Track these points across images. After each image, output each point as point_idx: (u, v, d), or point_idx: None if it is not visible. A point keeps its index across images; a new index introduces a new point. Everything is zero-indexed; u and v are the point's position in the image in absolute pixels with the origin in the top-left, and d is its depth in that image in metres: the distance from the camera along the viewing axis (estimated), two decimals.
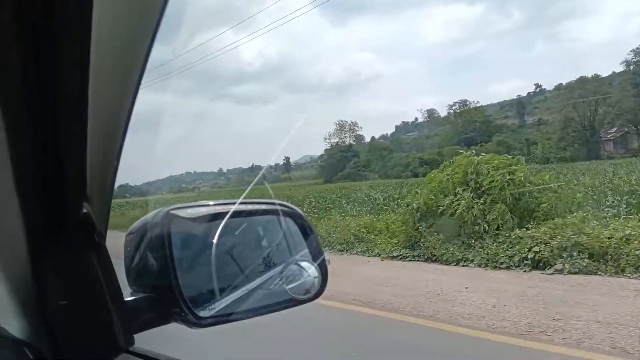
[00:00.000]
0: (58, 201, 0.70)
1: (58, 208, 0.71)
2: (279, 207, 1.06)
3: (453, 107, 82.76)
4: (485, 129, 70.79)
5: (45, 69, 0.52)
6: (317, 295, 1.00)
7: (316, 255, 1.04)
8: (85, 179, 0.69)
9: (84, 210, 0.76)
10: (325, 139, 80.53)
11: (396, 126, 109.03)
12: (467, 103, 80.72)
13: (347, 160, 71.22)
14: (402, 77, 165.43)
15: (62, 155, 0.64)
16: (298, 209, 1.08)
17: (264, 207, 1.10)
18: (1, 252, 0.74)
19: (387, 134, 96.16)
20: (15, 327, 0.85)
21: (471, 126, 72.48)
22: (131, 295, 0.90)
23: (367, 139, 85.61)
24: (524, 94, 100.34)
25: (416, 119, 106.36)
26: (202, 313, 0.90)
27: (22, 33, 0.46)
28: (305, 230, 1.05)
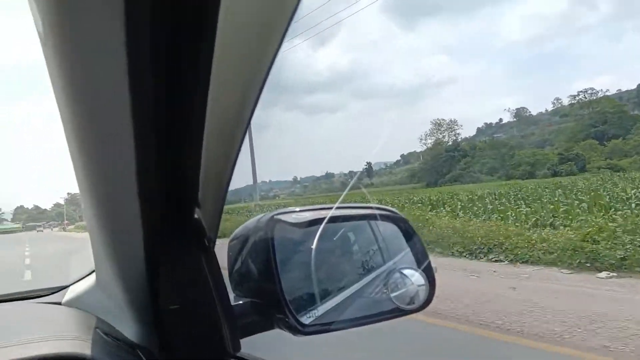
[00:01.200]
0: (172, 207, 0.74)
1: (172, 214, 0.76)
2: (378, 212, 1.05)
3: (577, 98, 75.31)
4: (618, 121, 62.67)
5: (171, 77, 0.54)
6: (424, 305, 0.97)
7: (421, 262, 1.00)
8: (198, 187, 0.73)
9: (195, 217, 0.81)
10: (421, 139, 77.86)
11: (478, 128, 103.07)
12: (594, 92, 72.74)
13: (455, 160, 66.57)
14: (478, 79, 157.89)
15: (179, 163, 0.68)
16: (400, 213, 1.06)
17: (365, 211, 1.10)
18: (121, 258, 0.80)
19: (468, 136, 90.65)
20: (129, 330, 0.93)
21: (602, 118, 64.74)
22: (234, 300, 0.93)
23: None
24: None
25: (500, 119, 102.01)
26: (304, 319, 0.91)
27: (156, 37, 0.48)
28: (409, 235, 1.03)
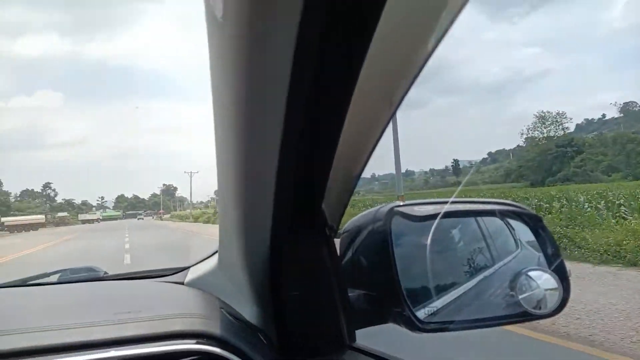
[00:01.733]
0: (300, 197, 0.77)
1: (299, 203, 0.78)
2: (504, 207, 1.00)
3: None
4: None
5: (323, 80, 0.56)
6: (557, 311, 0.91)
7: (552, 262, 0.94)
8: (327, 178, 0.74)
9: (321, 207, 0.83)
10: (522, 134, 72.28)
11: (577, 125, 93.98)
12: None
13: (568, 157, 58.73)
14: (575, 72, 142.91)
15: (313, 158, 0.70)
16: (530, 209, 1.00)
17: (487, 206, 1.06)
18: (247, 244, 0.84)
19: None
20: (249, 312, 0.97)
21: None
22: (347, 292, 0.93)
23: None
24: None
25: (604, 115, 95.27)
26: (421, 315, 0.90)
27: (323, 40, 0.50)
28: (539, 233, 0.97)
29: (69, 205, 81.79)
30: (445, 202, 1.04)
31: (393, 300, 0.90)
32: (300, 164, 0.69)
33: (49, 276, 1.37)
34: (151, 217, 74.47)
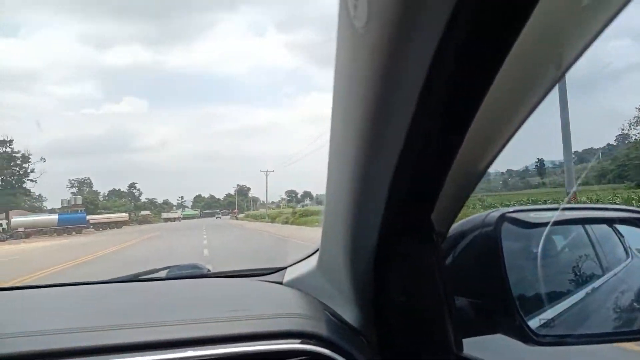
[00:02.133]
0: (411, 202, 0.77)
1: (410, 208, 0.78)
2: (625, 214, 0.94)
3: None
4: None
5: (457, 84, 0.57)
6: None
7: None
8: (443, 183, 0.74)
9: (432, 212, 0.82)
10: (622, 129, 65.88)
11: None
12: None
13: None
14: None
15: (432, 161, 0.70)
16: None
17: (604, 213, 1.00)
18: (353, 247, 0.86)
19: None
20: (349, 315, 0.98)
21: None
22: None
23: None
24: None
25: None
26: (533, 325, 0.87)
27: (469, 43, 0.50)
28: None
29: (151, 204, 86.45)
30: (556, 209, 1.00)
31: (503, 310, 0.87)
32: (418, 168, 0.69)
33: (157, 272, 1.48)
34: (227, 217, 76.27)
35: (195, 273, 1.48)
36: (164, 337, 0.83)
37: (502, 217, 0.89)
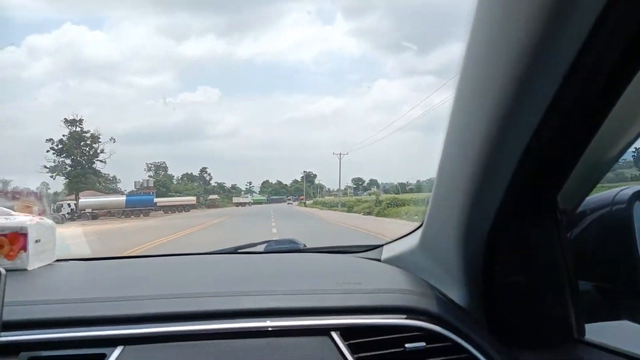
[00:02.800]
0: (539, 179, 0.75)
1: (536, 185, 0.77)
2: None
3: None
4: None
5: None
6: None
7: None
8: (576, 163, 0.73)
9: (558, 191, 0.80)
10: None
11: None
12: None
13: None
14: None
15: (567, 140, 0.69)
16: None
17: None
18: (466, 224, 0.85)
19: None
20: (456, 294, 0.97)
21: None
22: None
23: None
24: None
25: None
26: None
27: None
28: None
29: (220, 188, 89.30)
30: None
31: (634, 295, 0.84)
32: (551, 148, 0.68)
33: (255, 246, 1.57)
34: (294, 203, 76.92)
35: (292, 247, 1.55)
36: (271, 305, 0.87)
37: (636, 195, 0.84)
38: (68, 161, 47.49)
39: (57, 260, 1.28)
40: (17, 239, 1.16)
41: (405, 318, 0.86)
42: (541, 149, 0.67)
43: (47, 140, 46.80)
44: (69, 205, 36.47)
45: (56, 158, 46.82)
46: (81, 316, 0.82)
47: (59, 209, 33.73)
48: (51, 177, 46.19)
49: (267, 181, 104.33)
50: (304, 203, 72.09)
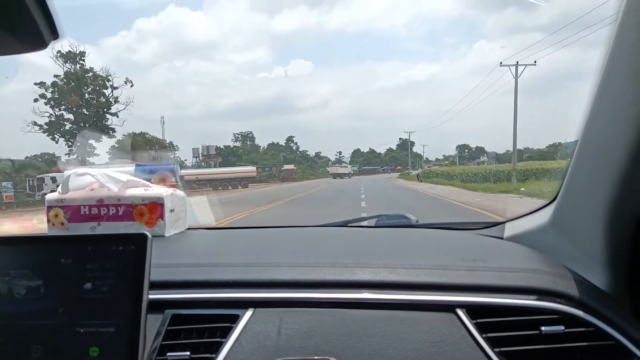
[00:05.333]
0: None
1: None
2: None
3: None
4: None
5: None
6: None
7: None
8: None
9: None
10: None
11: None
12: None
13: None
14: None
15: None
16: None
17: None
18: (613, 201, 0.84)
19: None
20: (597, 277, 0.97)
21: None
22: None
23: None
24: None
25: None
26: None
27: None
28: None
29: (303, 157, 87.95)
30: None
31: None
32: None
33: (366, 220, 1.70)
34: (391, 175, 67.85)
35: (404, 223, 1.64)
36: (390, 278, 0.95)
37: None
38: (70, 115, 35.30)
39: (189, 229, 1.52)
40: (155, 208, 1.40)
41: (539, 299, 0.87)
42: None
43: (35, 83, 34.31)
44: (53, 180, 24.92)
45: (52, 111, 34.73)
46: (217, 279, 0.97)
47: (39, 187, 24.74)
48: (52, 138, 34.14)
49: (358, 150, 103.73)
50: (409, 174, 58.36)
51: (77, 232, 1.39)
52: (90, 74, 35.91)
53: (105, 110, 36.48)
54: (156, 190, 1.44)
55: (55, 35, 0.78)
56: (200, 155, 52.96)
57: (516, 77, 24.44)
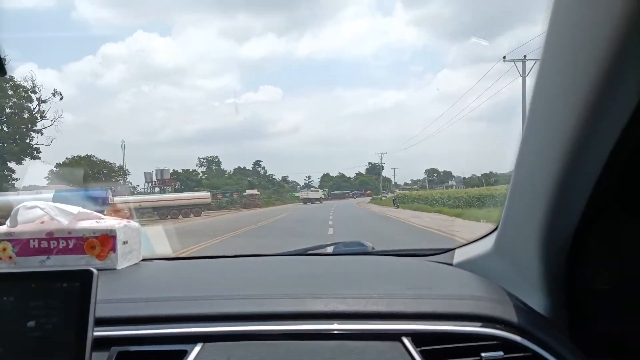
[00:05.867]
0: (631, 173, 0.77)
1: (626, 181, 0.78)
2: None
3: None
4: None
5: None
6: None
7: None
8: None
9: None
10: None
11: None
12: None
13: None
14: None
15: None
16: None
17: None
18: (547, 226, 0.88)
19: None
20: (536, 301, 1.01)
21: None
22: None
23: None
24: None
25: None
26: None
27: None
28: None
29: (269, 182, 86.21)
30: None
31: None
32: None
33: (324, 247, 1.73)
34: (363, 200, 66.67)
35: (361, 250, 1.69)
36: (340, 308, 0.97)
37: None
38: None
39: (143, 260, 1.53)
40: (107, 240, 1.41)
41: (481, 326, 0.91)
42: (636, 139, 0.69)
43: None
44: None
45: None
46: (165, 314, 0.97)
47: None
48: None
49: (327, 174, 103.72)
50: (382, 199, 56.38)
51: (26, 266, 1.38)
52: (10, 83, 29.73)
53: (29, 127, 31.72)
54: (108, 222, 1.45)
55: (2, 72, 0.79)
56: (154, 180, 50.61)
57: (523, 75, 24.85)
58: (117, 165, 46.46)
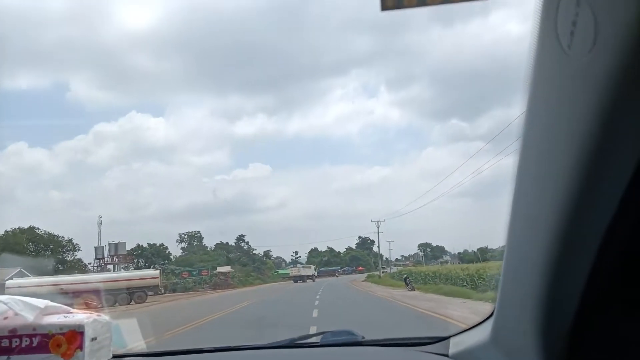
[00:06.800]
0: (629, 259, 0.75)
1: (624, 268, 0.76)
2: None
3: None
4: None
5: None
6: None
7: None
8: None
9: None
10: None
11: None
12: None
13: None
14: None
15: None
16: None
17: None
18: (548, 315, 0.86)
19: None
20: None
21: None
22: None
23: None
24: None
25: None
26: None
27: None
28: None
29: (248, 258, 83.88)
30: None
31: None
32: None
33: (311, 337, 1.69)
34: (354, 276, 64.41)
35: (350, 340, 1.64)
36: None
37: None
38: None
39: (114, 357, 1.47)
40: (74, 337, 1.35)
41: None
42: (631, 225, 0.67)
43: None
44: None
45: None
46: None
47: None
48: None
49: (315, 249, 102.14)
50: (380, 276, 50.26)
51: None
52: None
53: None
54: (77, 316, 1.40)
55: None
56: (106, 255, 45.69)
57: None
58: (66, 239, 45.49)
